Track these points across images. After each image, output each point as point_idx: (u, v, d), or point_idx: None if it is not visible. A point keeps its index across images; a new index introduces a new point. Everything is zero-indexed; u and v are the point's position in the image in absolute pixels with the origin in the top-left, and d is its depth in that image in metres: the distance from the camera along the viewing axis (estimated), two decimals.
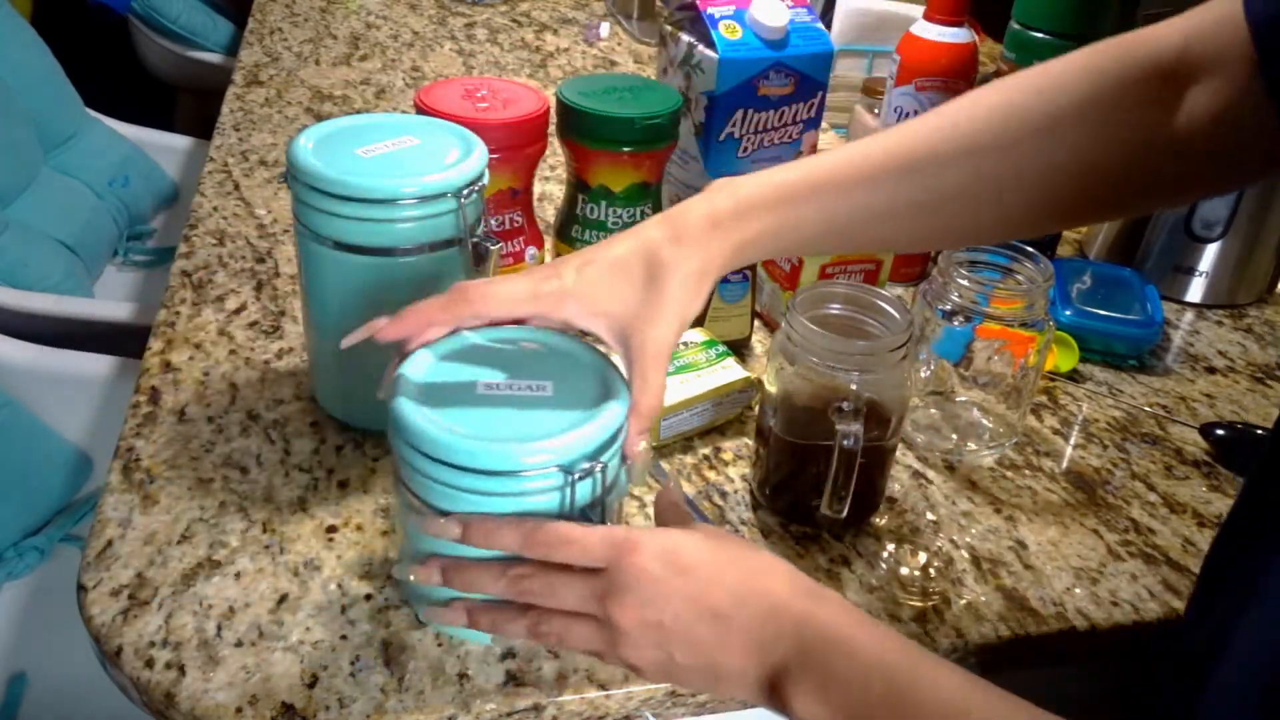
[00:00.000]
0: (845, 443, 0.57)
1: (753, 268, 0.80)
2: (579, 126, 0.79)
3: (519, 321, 0.54)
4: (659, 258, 0.52)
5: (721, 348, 0.75)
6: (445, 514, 0.49)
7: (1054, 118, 0.53)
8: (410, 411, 0.49)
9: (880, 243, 0.60)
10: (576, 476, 0.48)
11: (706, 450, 0.72)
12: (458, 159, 0.63)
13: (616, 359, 0.53)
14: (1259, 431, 0.75)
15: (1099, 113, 0.52)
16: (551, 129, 0.82)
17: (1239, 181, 0.75)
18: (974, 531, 0.67)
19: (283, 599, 0.57)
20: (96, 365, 1.16)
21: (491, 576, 0.49)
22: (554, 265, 0.53)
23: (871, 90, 1.06)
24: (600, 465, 0.49)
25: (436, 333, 0.53)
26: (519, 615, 0.49)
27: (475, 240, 0.63)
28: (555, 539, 0.47)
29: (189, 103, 2.29)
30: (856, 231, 0.56)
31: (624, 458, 0.52)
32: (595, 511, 0.50)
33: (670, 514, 0.52)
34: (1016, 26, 0.84)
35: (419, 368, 0.52)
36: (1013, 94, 0.54)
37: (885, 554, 0.64)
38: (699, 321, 0.76)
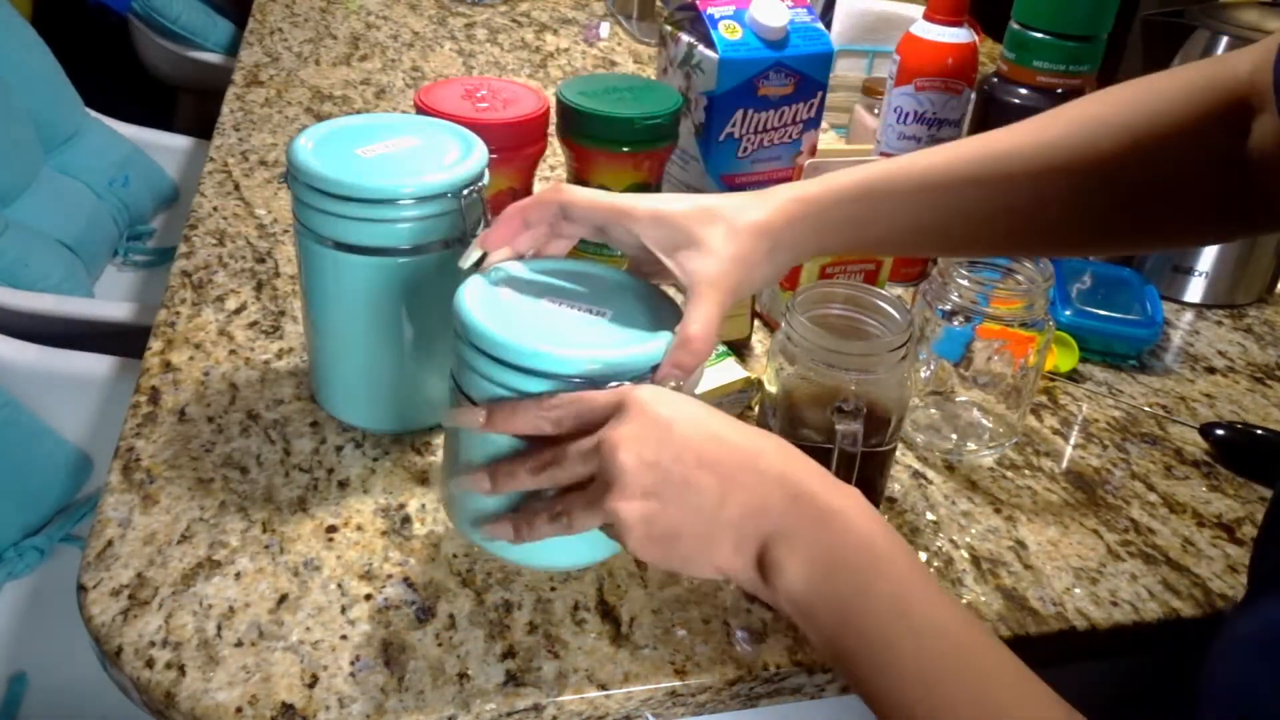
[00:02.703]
0: (845, 443, 0.57)
1: None
2: (579, 127, 0.79)
3: (594, 240, 0.57)
4: (726, 203, 0.55)
5: (722, 348, 0.75)
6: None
7: (1146, 133, 0.55)
8: (473, 311, 0.52)
9: (964, 244, 0.63)
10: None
11: None
12: (457, 159, 0.63)
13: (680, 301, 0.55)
14: (1259, 432, 0.75)
15: (1188, 128, 0.54)
16: (551, 129, 0.82)
17: None
18: (974, 531, 0.67)
19: (283, 599, 0.57)
20: (96, 365, 1.16)
21: (523, 465, 0.50)
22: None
23: (871, 90, 1.06)
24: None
25: (531, 237, 0.56)
26: (545, 510, 0.50)
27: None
28: (566, 399, 0.49)
29: (189, 103, 2.29)
30: (942, 231, 0.59)
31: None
32: None
33: None
34: (1016, 26, 0.84)
35: (488, 280, 0.55)
36: (1105, 108, 0.56)
37: None
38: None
